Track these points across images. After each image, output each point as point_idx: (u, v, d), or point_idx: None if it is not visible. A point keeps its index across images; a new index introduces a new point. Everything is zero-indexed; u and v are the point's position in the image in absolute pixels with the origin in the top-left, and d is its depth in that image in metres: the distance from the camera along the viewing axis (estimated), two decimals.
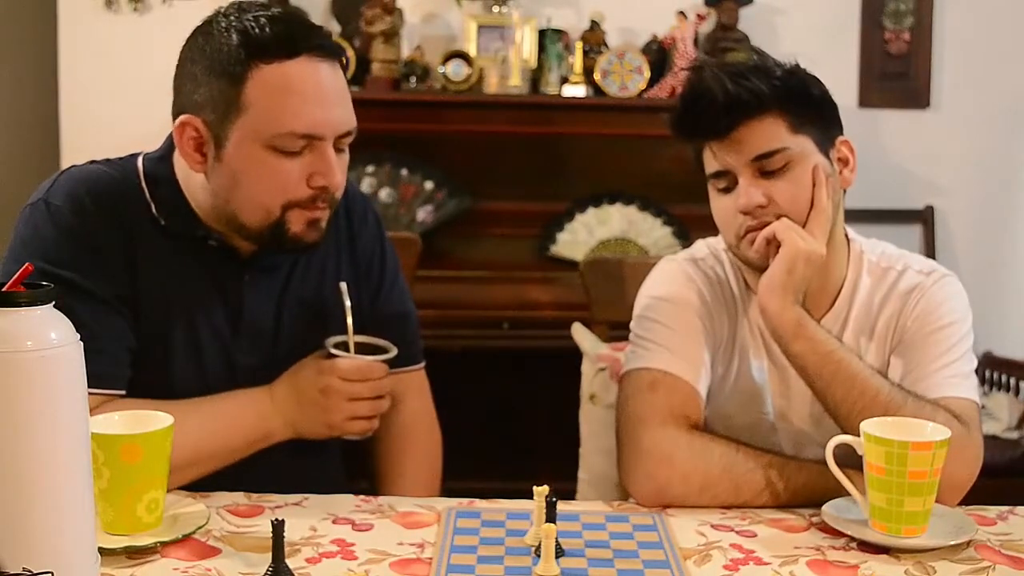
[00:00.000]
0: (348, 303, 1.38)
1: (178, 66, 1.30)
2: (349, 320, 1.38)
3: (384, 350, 1.40)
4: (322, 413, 1.33)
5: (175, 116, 1.29)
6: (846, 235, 1.44)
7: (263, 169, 1.25)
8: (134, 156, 1.37)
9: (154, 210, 1.32)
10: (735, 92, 1.31)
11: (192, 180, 1.32)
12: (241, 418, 1.32)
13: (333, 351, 1.35)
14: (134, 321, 1.29)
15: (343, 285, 1.40)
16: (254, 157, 1.25)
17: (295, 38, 1.25)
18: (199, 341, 1.34)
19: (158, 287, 1.31)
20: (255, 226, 1.29)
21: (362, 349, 1.39)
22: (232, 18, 1.26)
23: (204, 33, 1.27)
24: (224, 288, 1.36)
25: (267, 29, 1.24)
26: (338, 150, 1.29)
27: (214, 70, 1.24)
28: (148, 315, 1.30)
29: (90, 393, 1.20)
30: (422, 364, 1.57)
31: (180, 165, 1.33)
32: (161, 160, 1.35)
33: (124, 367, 1.28)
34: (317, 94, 1.25)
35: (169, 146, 1.35)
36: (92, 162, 1.36)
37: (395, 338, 1.44)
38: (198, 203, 1.32)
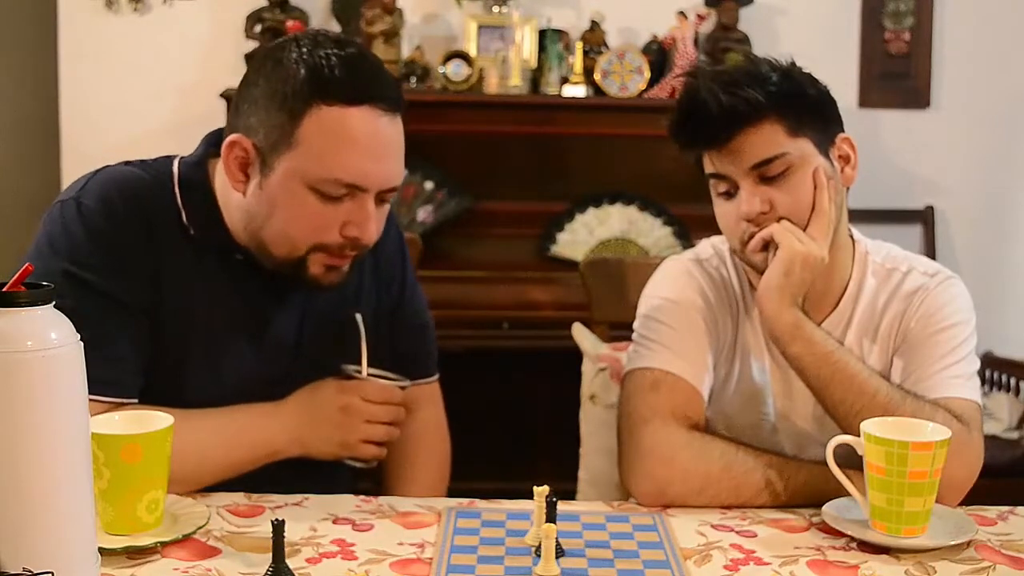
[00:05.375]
0: (363, 332, 1.37)
1: (241, 84, 1.28)
2: (364, 347, 1.37)
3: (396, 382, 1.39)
4: (337, 431, 1.32)
5: (228, 132, 1.28)
6: (851, 235, 1.44)
7: (300, 207, 1.24)
8: (170, 159, 1.35)
9: (184, 218, 1.30)
10: (729, 103, 1.30)
11: (230, 192, 1.30)
12: (245, 434, 1.31)
13: (353, 374, 1.35)
14: (153, 330, 1.28)
15: (358, 316, 1.38)
16: (294, 193, 1.24)
17: (362, 85, 1.23)
18: (218, 352, 1.32)
19: (181, 296, 1.29)
20: (279, 256, 1.29)
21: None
22: (305, 50, 1.23)
23: (275, 59, 1.25)
24: (248, 301, 1.34)
25: (336, 71, 1.22)
26: (380, 201, 1.28)
27: (274, 99, 1.23)
28: (168, 324, 1.29)
29: (102, 399, 1.20)
30: (436, 376, 1.56)
31: (219, 175, 1.32)
32: (197, 166, 1.33)
33: (138, 376, 1.27)
34: (371, 146, 1.23)
35: (204, 151, 1.35)
36: (127, 163, 1.34)
37: (414, 349, 1.42)
38: (230, 215, 1.31)
